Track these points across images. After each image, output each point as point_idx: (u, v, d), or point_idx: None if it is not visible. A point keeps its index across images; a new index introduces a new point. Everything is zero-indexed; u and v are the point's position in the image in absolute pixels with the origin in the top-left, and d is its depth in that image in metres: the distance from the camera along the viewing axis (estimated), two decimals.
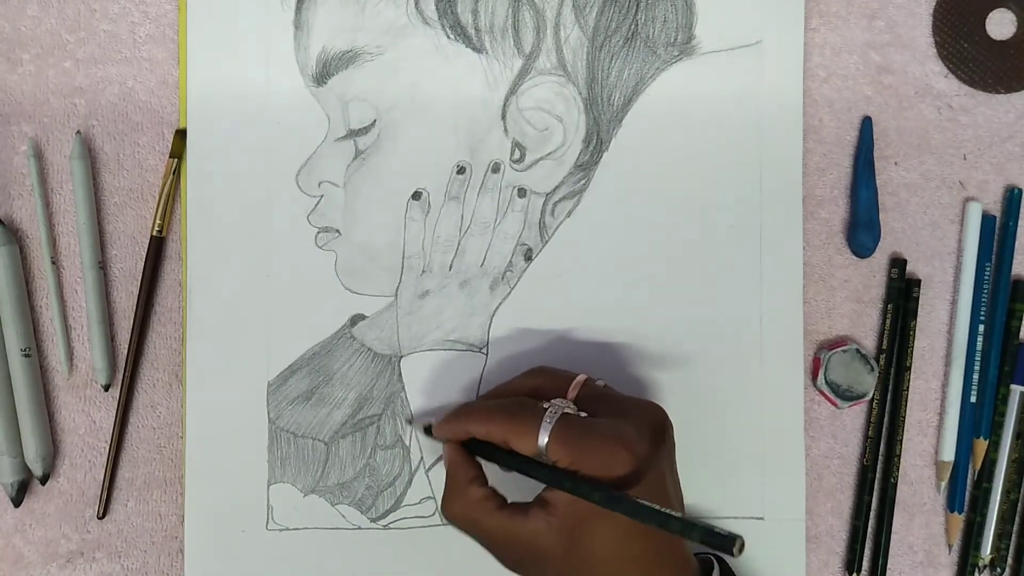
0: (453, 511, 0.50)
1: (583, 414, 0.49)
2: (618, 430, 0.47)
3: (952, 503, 0.58)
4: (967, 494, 0.59)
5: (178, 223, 0.58)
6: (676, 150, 0.58)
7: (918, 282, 0.59)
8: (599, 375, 0.53)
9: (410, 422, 0.57)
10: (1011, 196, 0.59)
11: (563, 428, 0.47)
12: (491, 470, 0.51)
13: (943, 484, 0.59)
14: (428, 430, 0.54)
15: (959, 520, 0.58)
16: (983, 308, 0.59)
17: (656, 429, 0.49)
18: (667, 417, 0.51)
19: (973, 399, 0.58)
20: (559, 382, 0.52)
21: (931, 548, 0.59)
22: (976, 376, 0.58)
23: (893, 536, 0.58)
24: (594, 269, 0.58)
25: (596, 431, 0.48)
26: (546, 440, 0.47)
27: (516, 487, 0.49)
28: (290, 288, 0.57)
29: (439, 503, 0.57)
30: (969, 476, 0.59)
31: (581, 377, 0.51)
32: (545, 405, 0.49)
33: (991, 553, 0.58)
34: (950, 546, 0.59)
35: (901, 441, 0.58)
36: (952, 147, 0.59)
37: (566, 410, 0.49)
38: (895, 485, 0.58)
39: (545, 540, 0.47)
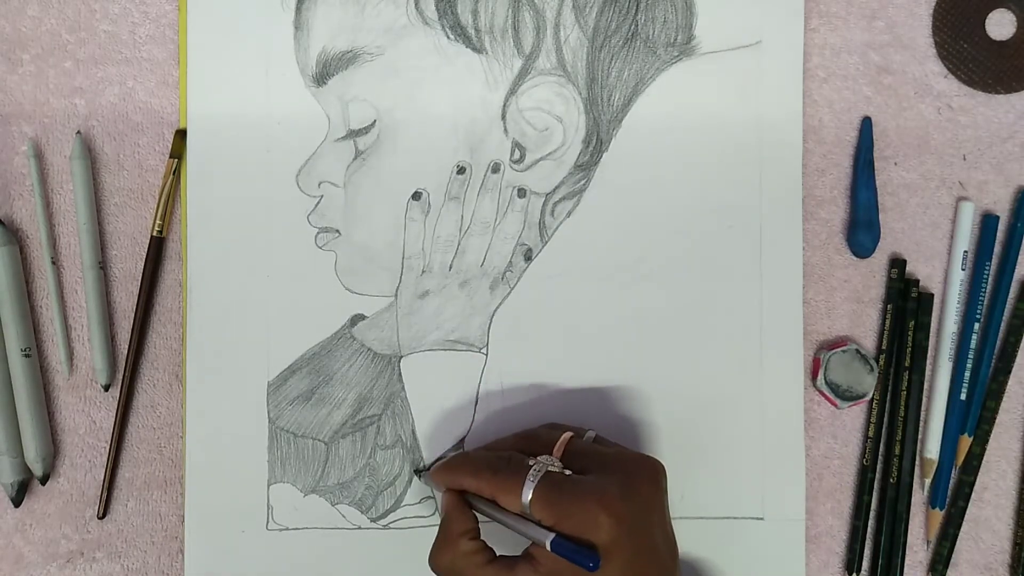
0: (441, 562, 0.50)
1: (567, 472, 0.49)
2: (601, 490, 0.47)
3: (934, 499, 0.59)
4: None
5: (178, 223, 0.58)
6: (676, 150, 0.58)
7: (917, 282, 0.59)
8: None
9: (417, 472, 0.57)
10: (1022, 198, 0.59)
11: (545, 487, 0.48)
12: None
13: (927, 481, 0.59)
14: (423, 476, 0.56)
15: (939, 516, 0.59)
16: (980, 306, 0.59)
17: (646, 483, 0.49)
18: (660, 469, 0.50)
19: (963, 396, 0.58)
20: (545, 440, 0.52)
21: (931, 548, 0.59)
22: (968, 374, 0.58)
23: (893, 536, 0.58)
24: (594, 269, 0.58)
25: (579, 490, 0.47)
26: (529, 497, 0.48)
27: (513, 538, 0.49)
28: (290, 288, 0.57)
29: (439, 503, 0.57)
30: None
31: (567, 435, 0.51)
32: (531, 462, 0.49)
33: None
34: (928, 541, 0.59)
35: (901, 441, 0.58)
36: (952, 147, 0.59)
37: (550, 468, 0.49)
38: (895, 485, 0.58)
39: None
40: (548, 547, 0.46)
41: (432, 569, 0.51)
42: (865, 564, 0.59)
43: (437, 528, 0.51)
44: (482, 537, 0.50)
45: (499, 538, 0.51)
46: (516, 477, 0.48)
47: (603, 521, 0.46)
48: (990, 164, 0.59)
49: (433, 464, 0.57)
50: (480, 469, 0.50)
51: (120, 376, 0.57)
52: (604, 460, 0.50)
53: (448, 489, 0.52)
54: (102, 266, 0.57)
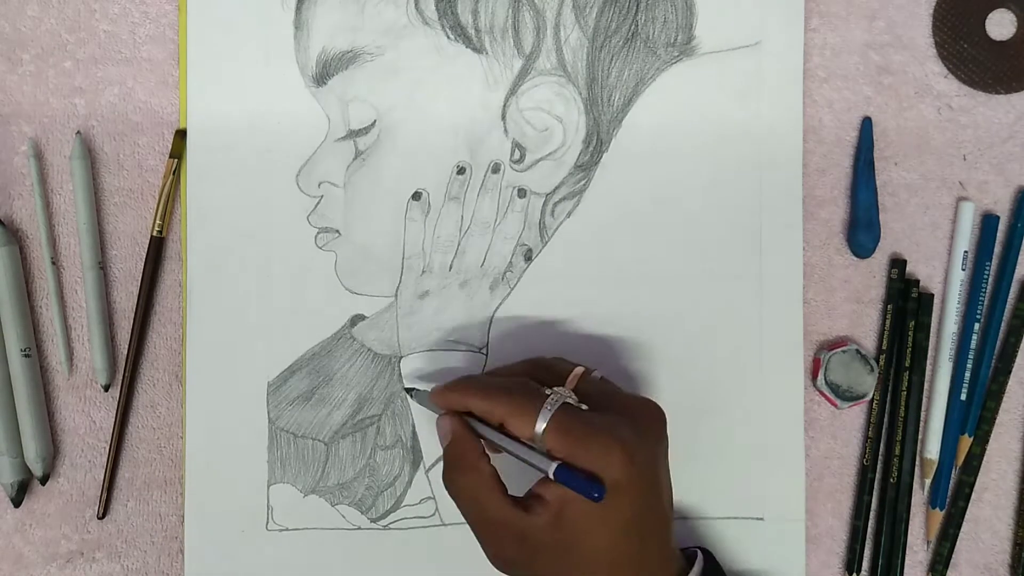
0: (462, 483, 0.49)
1: (584, 406, 0.49)
2: (616, 427, 0.47)
3: (934, 499, 0.59)
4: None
5: (178, 223, 0.58)
6: (676, 150, 0.58)
7: (917, 282, 0.59)
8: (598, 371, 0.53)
9: (408, 391, 0.56)
10: (1022, 198, 0.59)
11: (562, 418, 0.47)
12: None
13: (927, 481, 0.59)
14: (415, 394, 0.54)
15: (939, 516, 0.59)
16: (980, 307, 0.59)
17: (653, 427, 0.49)
18: (663, 415, 0.50)
19: (963, 396, 0.59)
20: (557, 371, 0.52)
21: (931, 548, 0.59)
22: (968, 374, 0.58)
23: (893, 536, 0.58)
24: (594, 269, 0.58)
25: (595, 426, 0.47)
26: (544, 427, 0.47)
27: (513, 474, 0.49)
28: (290, 288, 0.57)
29: (439, 503, 0.57)
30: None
31: (579, 369, 0.51)
32: (547, 391, 0.49)
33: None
34: (928, 542, 0.59)
35: (901, 441, 0.58)
36: (952, 147, 0.59)
37: (567, 399, 0.48)
38: (895, 485, 0.58)
39: (539, 536, 0.47)
40: (551, 475, 0.46)
41: (449, 490, 0.50)
42: (865, 564, 0.59)
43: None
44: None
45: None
46: (532, 403, 0.48)
47: (616, 458, 0.46)
48: (990, 164, 0.59)
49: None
50: (492, 391, 0.49)
51: (120, 376, 0.57)
52: (614, 399, 0.50)
53: (450, 411, 0.51)
54: (102, 266, 0.57)
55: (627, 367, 0.58)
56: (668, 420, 0.50)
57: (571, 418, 0.47)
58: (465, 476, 0.49)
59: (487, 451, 0.50)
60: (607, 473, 0.46)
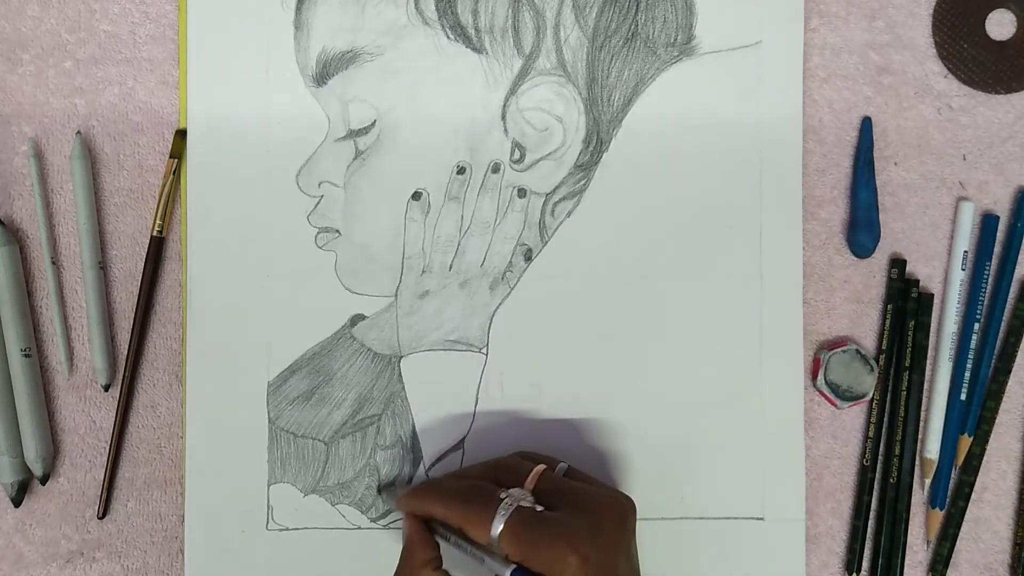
0: None
1: (539, 507, 0.49)
2: (571, 529, 0.47)
3: (934, 499, 0.59)
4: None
5: (178, 223, 0.58)
6: (676, 150, 0.58)
7: (917, 282, 0.59)
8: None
9: (379, 491, 0.57)
10: (1022, 198, 0.59)
11: (516, 522, 0.48)
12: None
13: (927, 481, 0.59)
14: (385, 495, 0.56)
15: (939, 516, 0.59)
16: (980, 306, 0.59)
17: (613, 523, 0.49)
18: (629, 508, 0.50)
19: (963, 396, 0.59)
20: (518, 471, 0.52)
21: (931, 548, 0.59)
22: (968, 374, 0.58)
23: (893, 536, 0.58)
24: (594, 269, 0.58)
25: (548, 529, 0.47)
26: (499, 531, 0.48)
27: (473, 570, 0.50)
28: (290, 288, 0.57)
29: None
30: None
31: (539, 468, 0.51)
32: (502, 495, 0.49)
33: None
34: (928, 541, 0.59)
35: (901, 441, 0.58)
36: (952, 147, 0.59)
37: (522, 503, 0.49)
38: (895, 485, 0.58)
39: None
40: None
41: None
42: (865, 564, 0.59)
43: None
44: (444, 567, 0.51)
45: (453, 564, 0.51)
46: (487, 509, 0.48)
47: (571, 561, 0.46)
48: (990, 164, 0.59)
49: (392, 483, 0.57)
50: (450, 497, 0.50)
51: (120, 376, 0.57)
52: (575, 497, 0.50)
53: (411, 514, 0.52)
54: (102, 266, 0.57)
55: (627, 367, 0.58)
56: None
57: (525, 522, 0.48)
58: None
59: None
60: (561, 574, 0.46)
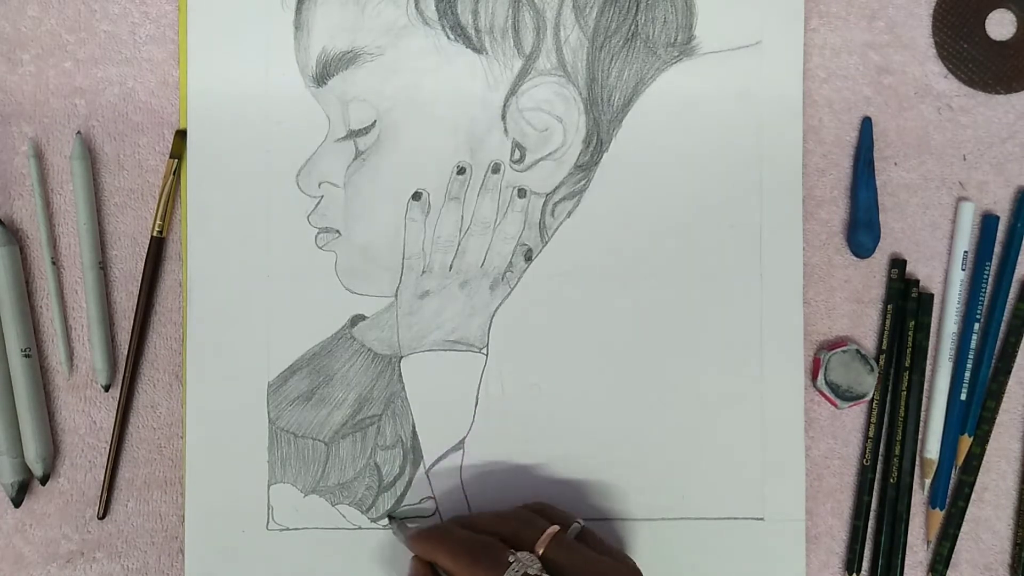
0: None
1: (545, 575, 0.48)
2: None
3: (934, 499, 0.59)
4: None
5: (178, 223, 0.58)
6: (676, 150, 0.58)
7: (917, 282, 0.59)
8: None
9: (390, 520, 0.57)
10: (1022, 198, 0.59)
11: None
12: None
13: (927, 481, 0.59)
14: (395, 528, 0.56)
15: (939, 516, 0.59)
16: (980, 307, 0.59)
17: None
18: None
19: (963, 396, 0.59)
20: (532, 528, 0.51)
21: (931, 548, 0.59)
22: (968, 374, 0.59)
23: (893, 536, 0.58)
24: (594, 269, 0.58)
25: None
26: None
27: None
28: (290, 288, 0.57)
29: (439, 503, 0.57)
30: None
31: (553, 529, 0.50)
32: (511, 558, 0.49)
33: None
34: (928, 542, 0.59)
35: (901, 441, 0.58)
36: (952, 147, 0.59)
37: (528, 570, 0.48)
38: (895, 485, 0.58)
39: None
40: None
41: None
42: (865, 564, 0.59)
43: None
44: None
45: None
46: (494, 570, 0.48)
47: None
48: (990, 164, 0.59)
49: (401, 512, 0.57)
50: (458, 551, 0.50)
51: (120, 376, 0.57)
52: (583, 564, 0.49)
53: (418, 556, 0.52)
54: (102, 266, 0.57)
55: (627, 367, 0.58)
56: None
57: None
58: None
59: None
60: None
